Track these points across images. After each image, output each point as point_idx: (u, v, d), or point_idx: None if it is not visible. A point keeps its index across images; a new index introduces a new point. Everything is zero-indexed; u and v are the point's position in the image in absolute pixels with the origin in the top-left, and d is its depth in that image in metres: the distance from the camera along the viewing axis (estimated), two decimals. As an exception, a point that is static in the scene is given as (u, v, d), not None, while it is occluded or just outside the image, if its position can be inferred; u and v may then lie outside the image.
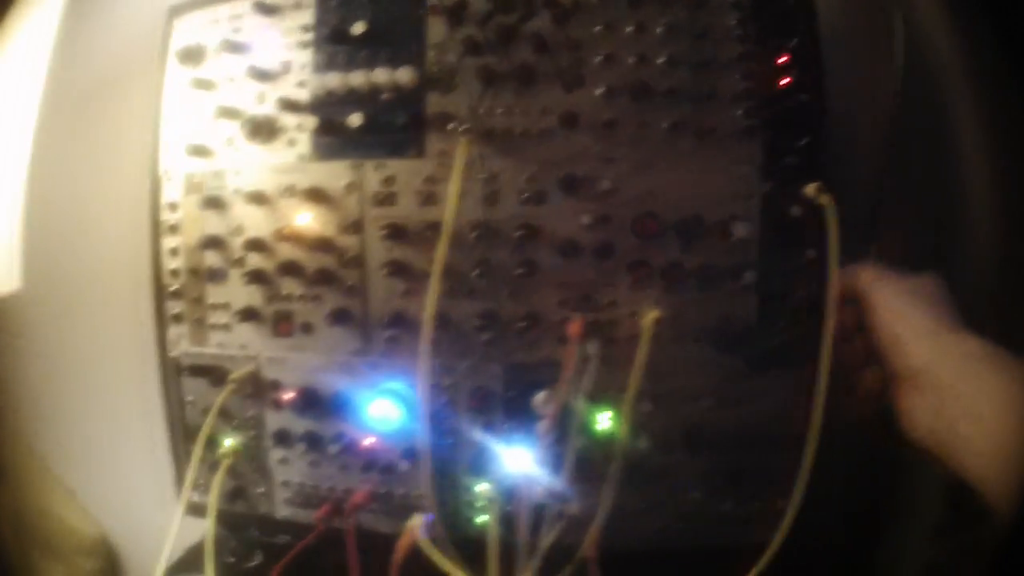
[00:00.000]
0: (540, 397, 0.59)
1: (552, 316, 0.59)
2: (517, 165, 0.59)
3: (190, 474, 0.64)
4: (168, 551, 0.62)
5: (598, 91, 0.57)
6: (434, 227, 0.58)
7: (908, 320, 0.46)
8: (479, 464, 0.61)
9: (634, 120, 0.57)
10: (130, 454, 0.82)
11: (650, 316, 0.58)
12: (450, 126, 0.58)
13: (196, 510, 0.70)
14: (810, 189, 0.56)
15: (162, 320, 0.68)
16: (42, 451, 0.84)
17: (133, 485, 0.86)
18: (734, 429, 0.59)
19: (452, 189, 0.56)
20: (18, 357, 0.86)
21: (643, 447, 0.59)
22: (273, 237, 0.63)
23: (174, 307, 0.67)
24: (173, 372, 0.68)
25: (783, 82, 0.57)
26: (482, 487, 0.61)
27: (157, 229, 0.67)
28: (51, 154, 0.75)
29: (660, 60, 0.57)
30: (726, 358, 0.59)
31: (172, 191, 0.67)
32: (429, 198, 0.60)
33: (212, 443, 0.67)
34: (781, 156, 0.57)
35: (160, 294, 0.68)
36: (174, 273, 0.67)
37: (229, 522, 0.68)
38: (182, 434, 0.69)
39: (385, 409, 0.61)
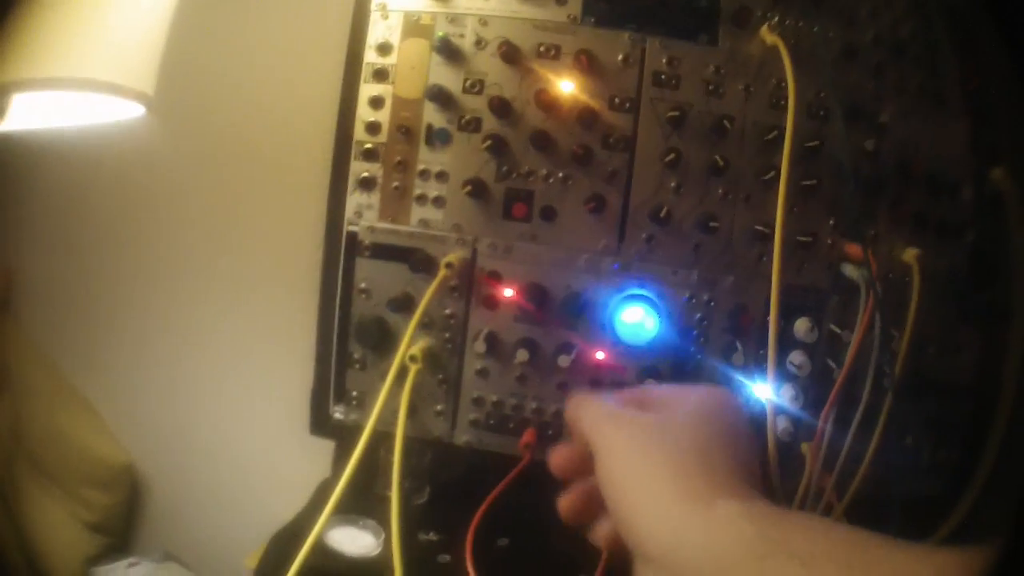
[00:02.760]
0: (803, 324, 0.54)
1: (825, 238, 0.55)
2: (806, 79, 0.55)
3: (386, 383, 0.49)
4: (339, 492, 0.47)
5: (869, 36, 0.56)
6: (721, 120, 0.52)
7: (643, 485, 0.29)
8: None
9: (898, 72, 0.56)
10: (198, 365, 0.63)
11: (911, 253, 0.56)
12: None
13: (334, 431, 0.56)
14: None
15: (341, 183, 0.54)
16: (65, 367, 0.62)
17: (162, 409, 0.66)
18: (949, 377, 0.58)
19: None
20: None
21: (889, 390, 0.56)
22: (524, 100, 0.53)
23: (364, 169, 0.54)
24: (348, 251, 0.54)
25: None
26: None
27: (354, 70, 0.54)
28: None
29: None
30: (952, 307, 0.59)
31: (384, 30, 0.54)
32: (717, 90, 0.54)
33: (383, 346, 0.54)
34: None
35: (343, 150, 0.54)
36: (372, 127, 0.54)
37: (386, 448, 0.54)
38: (343, 331, 0.54)
39: (641, 317, 0.52)
